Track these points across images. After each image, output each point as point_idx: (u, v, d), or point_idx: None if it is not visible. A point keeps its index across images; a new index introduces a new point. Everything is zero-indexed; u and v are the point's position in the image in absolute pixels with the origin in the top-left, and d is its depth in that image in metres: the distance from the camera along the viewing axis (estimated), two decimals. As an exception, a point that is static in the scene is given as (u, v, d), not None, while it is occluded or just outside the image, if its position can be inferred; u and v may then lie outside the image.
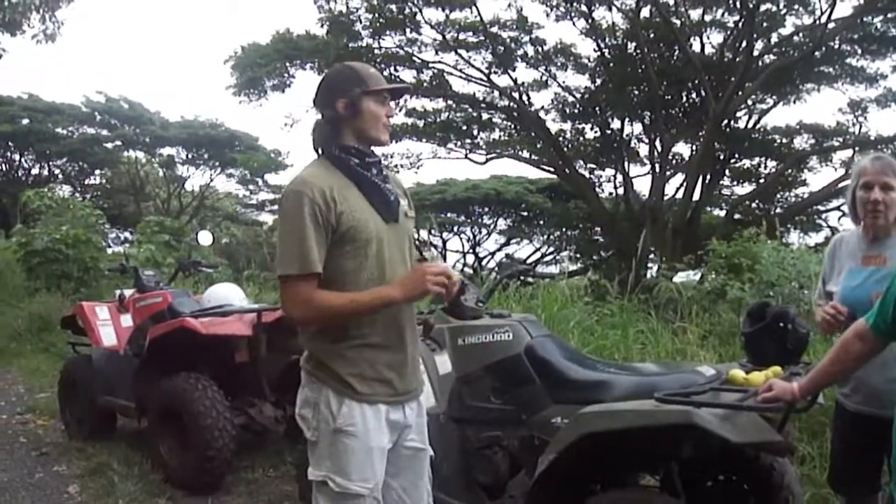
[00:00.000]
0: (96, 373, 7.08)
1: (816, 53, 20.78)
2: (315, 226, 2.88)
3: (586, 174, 26.06)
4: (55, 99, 34.59)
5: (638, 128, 25.33)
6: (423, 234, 21.43)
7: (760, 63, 21.62)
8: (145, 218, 19.28)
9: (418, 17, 22.86)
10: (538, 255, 31.34)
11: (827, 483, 4.20)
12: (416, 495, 3.18)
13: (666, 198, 23.44)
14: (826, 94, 23.20)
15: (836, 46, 21.34)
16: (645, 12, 22.32)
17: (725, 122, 22.16)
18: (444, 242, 31.11)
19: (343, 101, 3.00)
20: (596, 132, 25.82)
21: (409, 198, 3.27)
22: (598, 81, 24.69)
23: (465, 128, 26.25)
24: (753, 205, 25.26)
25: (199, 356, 6.11)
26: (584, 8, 22.58)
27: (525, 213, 31.37)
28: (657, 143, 23.91)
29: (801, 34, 21.40)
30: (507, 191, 29.66)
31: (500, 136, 26.87)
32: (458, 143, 26.37)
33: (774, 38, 21.83)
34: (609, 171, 26.51)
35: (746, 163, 25.85)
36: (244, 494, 5.83)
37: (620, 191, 25.50)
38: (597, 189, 26.03)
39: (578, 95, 25.19)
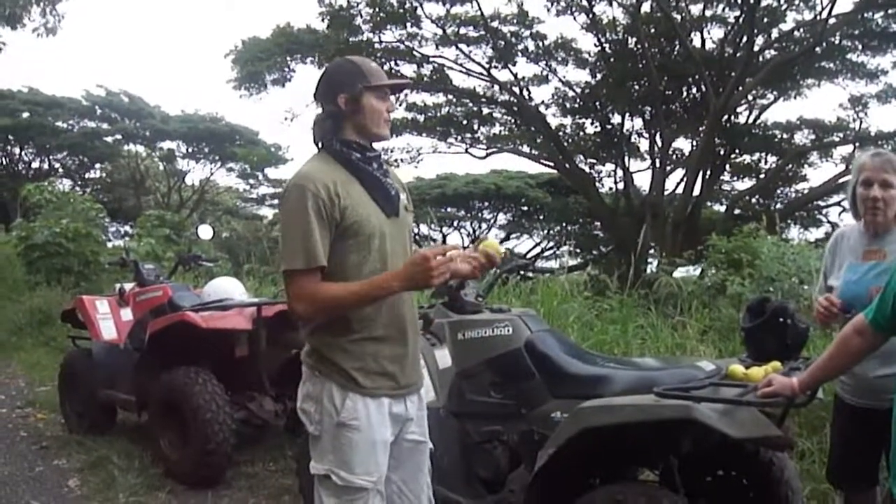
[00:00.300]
0: (96, 366, 7.07)
1: (817, 49, 20.78)
2: (319, 220, 2.87)
3: (586, 169, 26.11)
4: (55, 93, 34.70)
5: (638, 123, 25.43)
6: (423, 228, 21.41)
7: (761, 58, 21.63)
8: (145, 212, 19.27)
9: (419, 11, 22.89)
10: (538, 249, 31.37)
11: (826, 477, 4.21)
12: (416, 488, 3.19)
13: (666, 193, 23.47)
14: (826, 90, 23.21)
15: (837, 42, 21.35)
16: (646, 7, 22.33)
17: (726, 117, 22.14)
18: (444, 237, 31.04)
19: (344, 96, 2.99)
20: (596, 127, 25.88)
21: (408, 192, 3.26)
22: (599, 76, 24.71)
23: (465, 122, 26.28)
24: (753, 200, 25.32)
25: (199, 350, 6.10)
26: (584, 3, 22.59)
27: (525, 208, 31.41)
28: (657, 138, 23.94)
29: (801, 29, 21.40)
30: (507, 185, 29.68)
31: (500, 131, 26.91)
32: (459, 138, 26.41)
33: (775, 34, 21.87)
34: (609, 166, 26.63)
35: (747, 158, 25.90)
36: (244, 488, 5.83)
37: (620, 186, 25.54)
38: (597, 184, 26.14)
39: (579, 90, 25.20)
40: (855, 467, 3.70)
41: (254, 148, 34.09)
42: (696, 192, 22.56)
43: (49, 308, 12.16)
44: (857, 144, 21.99)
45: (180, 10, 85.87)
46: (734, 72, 20.98)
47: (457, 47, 23.57)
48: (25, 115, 33.08)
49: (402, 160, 26.19)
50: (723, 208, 25.96)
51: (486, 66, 24.03)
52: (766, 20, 21.13)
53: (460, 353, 4.27)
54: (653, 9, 22.12)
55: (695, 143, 23.68)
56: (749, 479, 3.87)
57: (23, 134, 33.29)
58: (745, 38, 21.31)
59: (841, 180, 21.36)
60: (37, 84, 45.37)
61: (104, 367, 6.99)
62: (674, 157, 24.87)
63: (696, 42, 22.83)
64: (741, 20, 21.30)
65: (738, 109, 23.48)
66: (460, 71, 24.35)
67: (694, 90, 23.77)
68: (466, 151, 26.53)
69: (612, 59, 23.76)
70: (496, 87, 24.84)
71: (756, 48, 21.43)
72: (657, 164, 23.76)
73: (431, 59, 24.23)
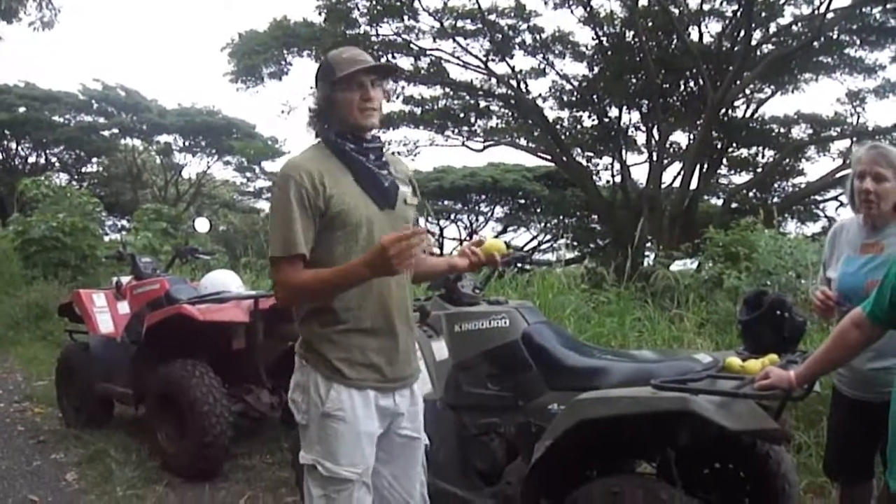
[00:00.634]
0: (93, 360, 7.07)
1: (815, 43, 20.79)
2: (301, 209, 2.89)
3: (584, 162, 26.13)
4: (52, 87, 34.63)
5: (636, 116, 25.42)
6: (421, 221, 21.42)
7: (759, 52, 21.63)
8: (142, 205, 19.25)
9: (416, 4, 22.86)
10: (535, 242, 31.37)
11: (823, 470, 4.21)
12: (408, 484, 3.18)
13: (663, 186, 23.49)
14: (824, 84, 23.28)
15: (835, 36, 21.35)
16: (643, 0, 22.28)
17: (723, 111, 22.15)
18: (441, 230, 31.14)
19: (320, 94, 3.04)
20: (594, 120, 25.90)
21: (415, 184, 3.25)
22: (596, 69, 24.70)
23: (462, 115, 26.27)
24: (751, 194, 25.34)
25: (196, 343, 6.09)
26: (582, -4, 22.58)
27: (522, 201, 31.45)
28: (655, 131, 23.96)
29: (799, 24, 21.40)
30: (504, 178, 29.69)
31: (497, 124, 26.89)
32: (456, 131, 26.40)
33: (773, 28, 21.86)
34: (606, 160, 26.66)
35: (744, 152, 25.94)
36: (241, 481, 5.83)
37: (618, 179, 25.59)
38: (594, 177, 26.14)
39: (576, 83, 25.20)
40: (852, 460, 3.71)
41: (251, 141, 34.06)
42: (694, 185, 22.60)
43: (46, 302, 12.14)
44: (854, 139, 21.98)
45: (177, 3, 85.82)
46: (732, 66, 20.97)
47: (454, 40, 23.57)
48: (22, 109, 33.02)
49: (399, 153, 26.17)
50: (720, 202, 25.98)
51: (484, 59, 24.04)
52: (763, 14, 21.12)
53: (457, 345, 4.27)
54: (650, 2, 22.10)
55: (692, 136, 23.71)
56: (746, 472, 3.87)
57: (19, 128, 33.24)
58: (742, 32, 21.32)
59: (838, 175, 21.41)
60: (33, 78, 45.49)
61: (101, 361, 6.99)
62: (671, 150, 24.89)
63: (694, 36, 22.85)
64: (739, 14, 21.31)
65: (736, 103, 23.51)
66: (457, 64, 24.37)
67: (691, 84, 23.77)
68: (463, 144, 26.55)
69: (609, 53, 23.75)
70: (493, 80, 24.84)
71: (754, 42, 21.42)
72: (654, 158, 23.79)
73: (428, 52, 24.22)
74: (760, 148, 25.47)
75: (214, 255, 11.59)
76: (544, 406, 3.93)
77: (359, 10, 23.00)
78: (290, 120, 29.16)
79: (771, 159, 25.13)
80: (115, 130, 34.62)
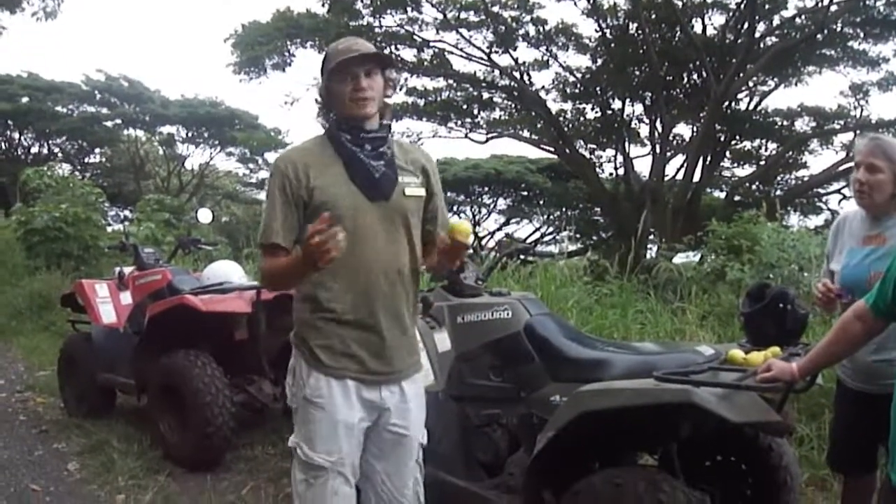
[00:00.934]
0: (96, 350, 7.09)
1: (818, 36, 20.70)
2: (283, 198, 2.97)
3: (587, 154, 26.07)
4: (55, 77, 34.66)
5: (639, 108, 25.35)
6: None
7: (762, 45, 21.55)
8: (145, 196, 19.28)
9: (419, -5, 22.78)
10: (538, 234, 31.37)
11: (826, 462, 4.22)
12: (399, 482, 3.18)
13: (666, 179, 23.45)
14: (827, 77, 23.14)
15: (838, 29, 21.25)
16: (647, -8, 22.22)
17: (726, 103, 22.07)
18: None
19: (322, 85, 3.08)
20: (597, 112, 25.82)
21: (430, 174, 3.22)
22: (600, 62, 24.62)
23: (465, 107, 26.22)
24: (754, 187, 25.29)
25: (198, 333, 6.10)
26: (586, -12, 22.51)
27: (525, 193, 31.40)
28: (658, 123, 23.91)
29: (803, 16, 21.31)
30: (507, 170, 29.68)
31: (500, 116, 26.83)
32: (459, 123, 26.36)
33: (776, 20, 21.77)
34: (609, 152, 26.59)
35: (747, 145, 25.89)
36: (244, 472, 5.84)
37: (621, 171, 25.52)
38: (597, 169, 26.07)
39: (579, 75, 25.12)
40: (855, 452, 3.71)
41: (254, 132, 34.02)
42: (697, 178, 22.54)
43: (48, 292, 12.17)
44: (857, 132, 21.90)
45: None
46: (735, 58, 20.91)
47: (457, 32, 23.48)
48: (25, 99, 32.94)
49: (401, 145, 26.13)
50: (723, 194, 25.95)
51: (487, 50, 23.95)
52: (767, 7, 21.04)
53: (460, 337, 4.28)
54: (654, -6, 22.05)
55: (695, 129, 23.65)
56: (748, 465, 3.88)
57: (22, 119, 33.16)
58: (746, 25, 21.23)
59: (841, 168, 21.39)
60: (36, 69, 45.30)
61: (104, 351, 7.00)
62: (674, 142, 24.83)
63: (698, 28, 22.74)
64: (742, 6, 21.21)
65: (739, 96, 23.41)
66: (461, 55, 24.28)
67: (695, 76, 23.70)
68: (466, 136, 26.52)
69: (612, 45, 23.67)
70: (496, 72, 24.75)
71: (757, 35, 21.35)
72: (657, 150, 23.74)
73: (432, 44, 24.14)
74: (763, 141, 25.43)
75: (217, 245, 11.59)
76: (546, 398, 3.94)
77: (362, 1, 22.93)
78: (293, 111, 29.18)
79: (774, 152, 25.09)
80: (118, 121, 34.53)
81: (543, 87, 25.57)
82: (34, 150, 35.92)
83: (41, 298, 12.39)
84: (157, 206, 16.18)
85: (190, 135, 35.37)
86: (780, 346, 3.36)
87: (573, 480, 3.36)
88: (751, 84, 23.18)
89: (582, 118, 26.42)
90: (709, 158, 23.35)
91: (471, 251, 4.05)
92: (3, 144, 35.79)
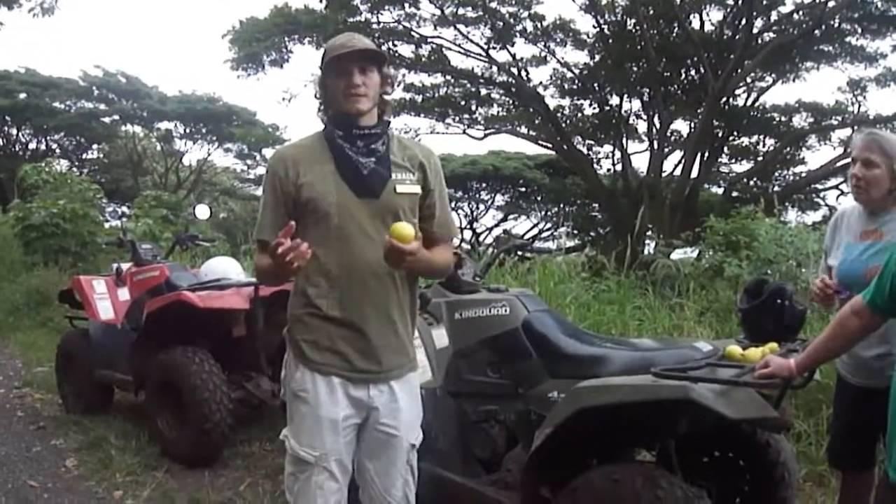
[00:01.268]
0: (93, 347, 7.08)
1: (816, 32, 20.70)
2: (273, 196, 3.02)
3: (584, 150, 26.05)
4: (52, 73, 34.50)
5: (636, 104, 25.31)
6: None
7: (760, 41, 21.54)
8: (143, 192, 19.24)
9: (417, -9, 22.75)
10: (536, 230, 31.38)
11: (825, 458, 4.22)
12: (387, 481, 3.16)
13: (664, 175, 23.43)
14: (825, 73, 23.21)
15: (836, 25, 21.24)
16: (644, -12, 22.19)
17: (724, 99, 22.06)
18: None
19: (319, 81, 3.10)
20: (594, 108, 25.82)
21: (427, 171, 3.20)
22: (597, 57, 24.59)
23: (463, 103, 26.19)
24: (751, 182, 25.29)
25: (196, 330, 6.11)
26: (583, -17, 22.49)
27: (523, 189, 31.39)
28: (656, 119, 23.89)
29: (800, 12, 21.31)
30: (505, 166, 29.64)
31: (498, 112, 26.81)
32: (457, 119, 26.34)
33: (774, 16, 21.74)
34: (607, 148, 26.56)
35: (745, 140, 25.87)
36: (241, 468, 5.85)
37: (619, 167, 25.49)
38: (595, 165, 26.05)
39: (577, 71, 25.10)
40: (855, 448, 3.72)
41: (251, 128, 34.02)
42: (694, 174, 22.52)
43: (46, 288, 12.15)
44: (855, 128, 21.91)
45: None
46: (733, 54, 20.88)
47: (455, 28, 23.47)
48: (22, 95, 32.93)
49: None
50: (721, 190, 25.91)
51: (485, 46, 23.92)
52: (765, 2, 21.00)
53: (457, 333, 4.28)
54: (651, -10, 22.02)
55: (693, 125, 23.63)
56: (746, 461, 3.88)
57: (20, 115, 33.14)
58: (744, 21, 21.22)
59: (839, 164, 21.38)
60: (34, 65, 45.40)
61: (101, 348, 7.00)
62: (672, 138, 24.81)
63: (695, 24, 22.73)
64: (740, 2, 21.21)
65: (737, 92, 23.41)
66: (458, 51, 24.25)
67: (692, 72, 23.67)
68: (464, 132, 26.47)
69: (610, 41, 23.65)
70: (494, 68, 24.74)
71: (755, 30, 21.34)
72: (655, 146, 23.73)
73: (430, 40, 24.10)
74: (761, 136, 25.41)
75: (215, 242, 11.58)
76: (544, 394, 3.94)
77: (360, -3, 22.92)
78: (291, 107, 29.16)
79: (772, 148, 25.08)
80: (116, 117, 34.55)
81: (541, 83, 25.62)
82: (32, 146, 35.88)
83: (39, 295, 12.38)
84: (155, 202, 16.15)
85: (188, 131, 35.38)
86: (777, 343, 3.35)
87: (571, 477, 3.36)
88: (748, 80, 23.18)
89: (580, 114, 26.41)
90: (706, 154, 23.33)
91: (468, 247, 4.04)
92: (0, 140, 35.76)
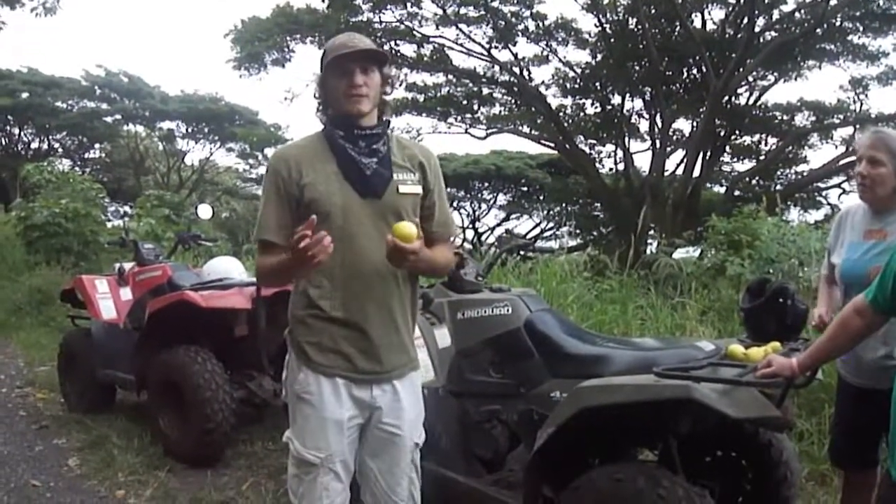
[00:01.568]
0: (96, 346, 7.09)
1: (818, 30, 20.70)
2: (276, 196, 2.99)
3: (586, 150, 26.08)
4: (55, 73, 34.50)
5: (638, 103, 25.33)
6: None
7: (762, 39, 21.53)
8: (145, 192, 19.28)
9: (419, -10, 22.74)
10: (538, 230, 31.39)
11: (828, 457, 4.22)
12: (391, 481, 3.15)
13: (666, 174, 23.43)
14: (827, 72, 23.12)
15: (838, 23, 21.21)
16: (646, -13, 22.18)
17: (726, 98, 22.06)
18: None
19: (319, 81, 3.08)
20: (596, 108, 25.81)
21: (427, 170, 3.18)
22: (599, 57, 24.58)
23: (465, 102, 26.20)
24: (753, 181, 25.28)
25: (198, 329, 6.11)
26: (585, -18, 22.48)
27: (525, 189, 31.41)
28: (658, 118, 23.89)
29: (802, 11, 21.30)
30: (507, 166, 29.66)
31: (500, 111, 26.81)
32: (459, 118, 26.34)
33: (776, 15, 21.72)
34: (609, 147, 26.58)
35: (747, 139, 25.87)
36: (243, 467, 5.85)
37: (621, 166, 25.49)
38: (597, 165, 26.06)
39: (579, 71, 25.09)
40: (856, 447, 3.72)
41: (253, 128, 34.04)
42: (696, 173, 22.51)
43: (48, 288, 12.16)
44: (857, 126, 21.91)
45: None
46: (735, 53, 20.87)
47: (457, 27, 23.46)
48: (25, 95, 32.91)
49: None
50: (723, 189, 25.90)
51: (487, 46, 23.92)
52: (766, 1, 20.99)
53: (460, 333, 4.28)
54: (653, -11, 22.01)
55: (695, 124, 23.62)
56: (748, 460, 3.88)
57: (22, 114, 33.15)
58: (745, 20, 21.20)
59: (841, 162, 21.38)
60: (36, 64, 45.39)
61: (103, 347, 7.00)
62: (674, 137, 24.81)
63: (697, 23, 22.72)
64: (742, 1, 21.20)
65: (739, 91, 23.39)
66: (460, 51, 24.25)
67: (694, 71, 23.66)
68: (466, 132, 26.47)
69: (612, 40, 23.64)
70: (496, 68, 24.74)
71: (757, 29, 21.31)
72: (657, 145, 23.73)
73: (432, 39, 24.11)
74: (763, 135, 25.42)
75: (217, 241, 11.57)
76: (547, 393, 3.94)
77: (362, -4, 22.93)
78: (293, 107, 29.16)
79: (774, 147, 25.06)
80: (118, 116, 34.54)
81: (543, 82, 25.59)
82: (34, 145, 35.91)
83: (41, 294, 12.39)
84: (157, 201, 16.16)
85: (190, 130, 35.41)
86: (780, 342, 3.35)
87: (573, 476, 3.36)
88: (750, 79, 23.16)
89: (582, 113, 26.42)
90: (708, 153, 23.33)
91: (470, 247, 4.04)
92: (2, 140, 35.77)
